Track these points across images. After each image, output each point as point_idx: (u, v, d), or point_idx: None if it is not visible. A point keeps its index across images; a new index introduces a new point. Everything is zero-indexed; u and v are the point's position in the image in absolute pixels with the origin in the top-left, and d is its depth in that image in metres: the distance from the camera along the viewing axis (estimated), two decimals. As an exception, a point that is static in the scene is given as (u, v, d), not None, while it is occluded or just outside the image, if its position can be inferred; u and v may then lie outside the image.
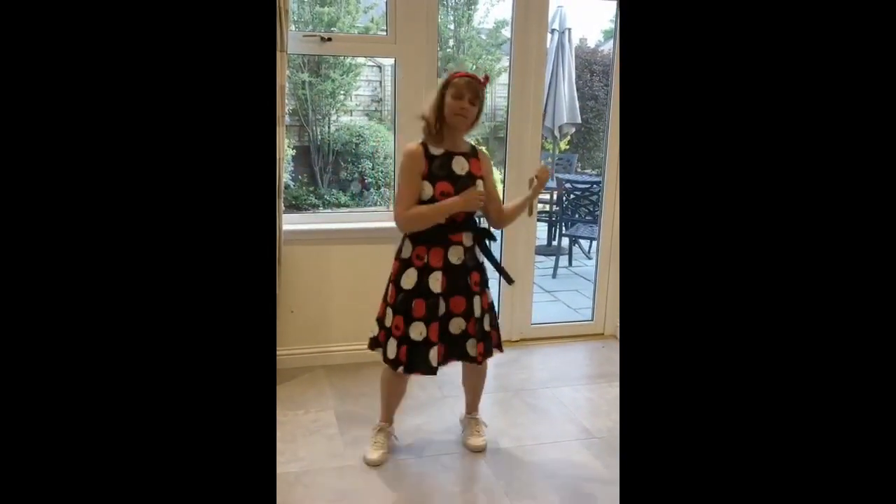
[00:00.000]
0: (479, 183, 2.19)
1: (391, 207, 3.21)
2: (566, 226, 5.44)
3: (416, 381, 3.02)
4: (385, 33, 3.07)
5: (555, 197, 5.64)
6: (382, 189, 6.21)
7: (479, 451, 2.44)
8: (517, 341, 3.50)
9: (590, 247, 5.52)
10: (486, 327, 2.28)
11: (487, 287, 2.30)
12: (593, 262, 4.35)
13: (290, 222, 2.99)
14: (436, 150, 2.14)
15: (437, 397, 2.86)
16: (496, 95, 7.80)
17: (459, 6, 7.45)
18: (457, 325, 2.21)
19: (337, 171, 6.41)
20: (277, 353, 3.03)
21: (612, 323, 3.62)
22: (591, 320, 3.68)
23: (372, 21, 6.43)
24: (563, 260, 5.32)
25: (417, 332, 2.16)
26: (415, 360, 2.18)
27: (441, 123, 2.12)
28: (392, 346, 2.20)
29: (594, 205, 5.01)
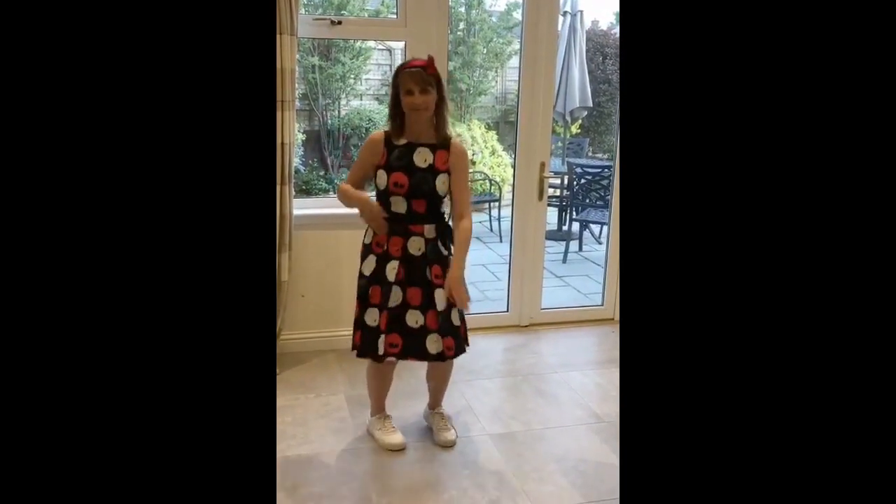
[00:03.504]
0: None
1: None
2: (577, 210, 5.42)
3: (422, 367, 3.04)
4: (395, 16, 3.05)
5: (566, 182, 5.62)
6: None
7: (451, 445, 2.38)
8: (527, 326, 3.50)
9: (600, 232, 5.50)
10: (456, 321, 2.22)
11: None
12: (604, 246, 4.34)
13: (300, 207, 2.99)
14: (398, 141, 2.13)
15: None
16: (507, 79, 7.75)
17: (471, -12, 7.39)
18: (413, 319, 2.17)
19: (347, 155, 6.40)
20: (289, 337, 3.05)
21: (623, 308, 3.61)
22: (602, 305, 3.68)
23: (382, 4, 6.39)
24: (574, 245, 5.30)
25: (371, 318, 2.19)
26: (366, 346, 2.20)
27: (402, 116, 2.11)
28: (353, 329, 2.25)
29: (605, 189, 4.98)
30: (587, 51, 5.88)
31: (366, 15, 6.28)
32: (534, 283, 3.49)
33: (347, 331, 3.17)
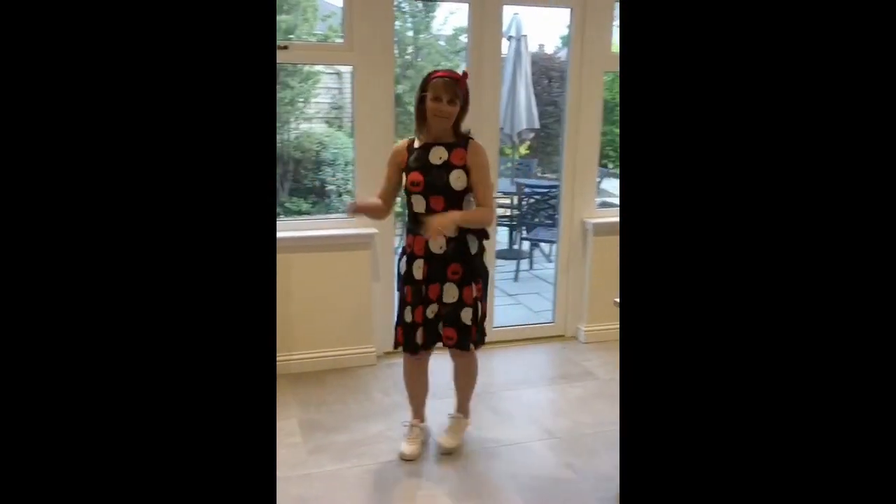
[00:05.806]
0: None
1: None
2: (527, 230, 5.50)
3: (380, 389, 3.03)
4: (342, 41, 3.08)
5: (515, 201, 5.70)
6: (344, 196, 6.18)
7: (444, 452, 2.47)
8: (479, 345, 3.52)
9: (550, 250, 5.59)
10: (467, 321, 2.28)
11: (476, 282, 2.29)
12: (553, 264, 4.41)
13: (249, 231, 2.96)
14: (417, 143, 2.28)
15: (400, 403, 2.88)
16: (456, 101, 7.84)
17: (418, 13, 7.48)
18: (431, 311, 2.32)
19: (297, 178, 6.37)
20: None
21: (573, 325, 3.68)
22: (552, 322, 3.74)
23: (330, 29, 6.41)
24: (525, 263, 5.37)
25: (408, 315, 2.32)
26: (407, 341, 2.34)
27: (423, 120, 2.23)
28: (395, 327, 2.38)
29: (553, 209, 5.08)
30: (533, 74, 6.02)
31: (314, 40, 6.29)
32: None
33: (300, 355, 3.16)
